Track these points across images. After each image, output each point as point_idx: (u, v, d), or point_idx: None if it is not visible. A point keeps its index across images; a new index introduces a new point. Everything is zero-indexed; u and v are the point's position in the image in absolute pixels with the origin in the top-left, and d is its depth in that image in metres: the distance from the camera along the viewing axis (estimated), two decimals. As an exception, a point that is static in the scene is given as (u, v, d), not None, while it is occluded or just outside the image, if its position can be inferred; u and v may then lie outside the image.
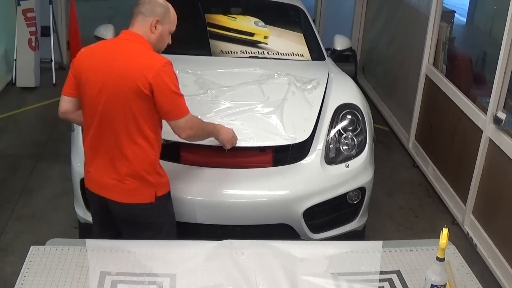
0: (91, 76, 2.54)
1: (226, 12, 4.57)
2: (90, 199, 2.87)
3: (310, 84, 3.71)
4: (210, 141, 2.99)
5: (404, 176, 4.99)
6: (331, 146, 3.39)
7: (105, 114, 2.54)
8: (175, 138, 2.75)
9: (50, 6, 6.69)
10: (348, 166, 3.34)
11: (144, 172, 2.60)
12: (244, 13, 4.62)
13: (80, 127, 3.33)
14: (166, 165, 2.79)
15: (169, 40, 2.72)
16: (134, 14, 2.64)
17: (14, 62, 6.44)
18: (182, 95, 2.57)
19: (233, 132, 3.04)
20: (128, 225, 2.71)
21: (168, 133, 2.70)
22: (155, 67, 2.46)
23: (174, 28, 2.71)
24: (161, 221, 2.74)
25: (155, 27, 2.60)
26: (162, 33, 2.65)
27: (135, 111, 2.50)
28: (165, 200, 2.73)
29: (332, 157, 3.36)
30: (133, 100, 2.48)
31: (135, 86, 2.45)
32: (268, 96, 3.48)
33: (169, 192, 2.76)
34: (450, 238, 1.99)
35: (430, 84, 4.90)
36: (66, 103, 2.69)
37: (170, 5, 2.69)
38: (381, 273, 2.26)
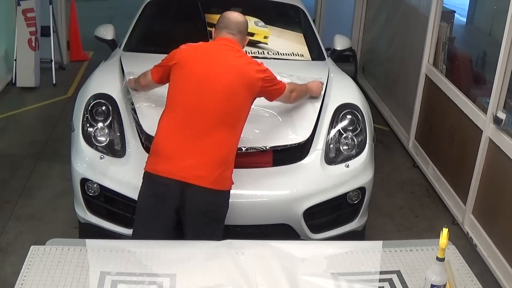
0: (197, 67, 2.83)
1: (226, 12, 4.57)
2: (150, 186, 2.78)
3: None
4: None
5: (404, 176, 4.99)
6: (331, 146, 3.39)
7: (211, 103, 2.77)
8: None
9: (50, 6, 6.70)
10: (348, 166, 3.34)
11: (229, 159, 2.80)
12: (244, 13, 4.57)
13: (80, 127, 3.33)
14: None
15: None
16: (232, 29, 3.02)
17: (14, 62, 6.45)
18: (274, 75, 3.05)
19: (318, 83, 3.60)
20: (198, 215, 2.75)
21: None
22: (260, 68, 2.95)
23: None
24: (225, 214, 2.86)
25: (246, 43, 3.13)
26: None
27: (238, 103, 2.84)
28: (229, 194, 2.86)
29: (332, 157, 3.36)
30: (241, 92, 2.84)
31: (247, 80, 2.86)
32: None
33: None
34: (450, 238, 1.99)
35: (430, 84, 4.90)
36: (149, 83, 3.18)
37: None
38: (381, 273, 2.26)
